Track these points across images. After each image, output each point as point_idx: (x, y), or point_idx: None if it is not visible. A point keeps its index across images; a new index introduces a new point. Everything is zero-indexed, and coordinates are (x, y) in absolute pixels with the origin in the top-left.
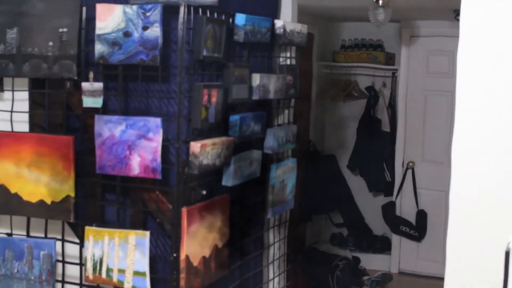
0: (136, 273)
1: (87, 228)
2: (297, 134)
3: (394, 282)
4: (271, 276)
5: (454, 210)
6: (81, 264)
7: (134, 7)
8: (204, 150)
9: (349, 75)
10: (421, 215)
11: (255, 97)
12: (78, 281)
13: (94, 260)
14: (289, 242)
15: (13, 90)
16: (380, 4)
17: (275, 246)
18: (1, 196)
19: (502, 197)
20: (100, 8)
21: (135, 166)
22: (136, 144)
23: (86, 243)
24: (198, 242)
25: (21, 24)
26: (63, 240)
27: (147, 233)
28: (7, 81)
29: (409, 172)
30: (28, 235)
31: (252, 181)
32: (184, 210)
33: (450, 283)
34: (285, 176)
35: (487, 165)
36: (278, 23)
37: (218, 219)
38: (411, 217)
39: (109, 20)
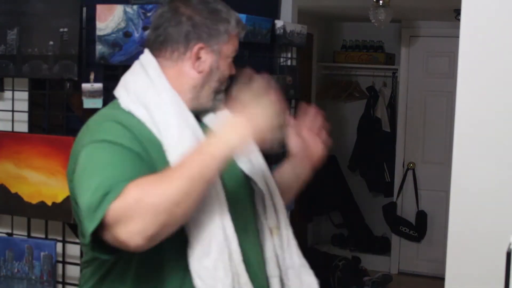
0: None
1: None
2: None
3: (394, 282)
4: None
5: (454, 210)
6: None
7: (135, 7)
8: None
9: (349, 76)
10: (421, 216)
11: None
12: (78, 282)
13: None
14: None
15: (13, 90)
16: (381, 4)
17: None
18: (1, 196)
19: (503, 197)
20: (100, 8)
21: None
22: None
23: None
24: None
25: (21, 24)
26: (64, 242)
27: None
28: (7, 81)
29: (410, 172)
30: (29, 236)
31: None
32: None
33: (450, 283)
34: None
35: (488, 165)
36: (278, 24)
37: None
38: (412, 218)
39: (109, 20)
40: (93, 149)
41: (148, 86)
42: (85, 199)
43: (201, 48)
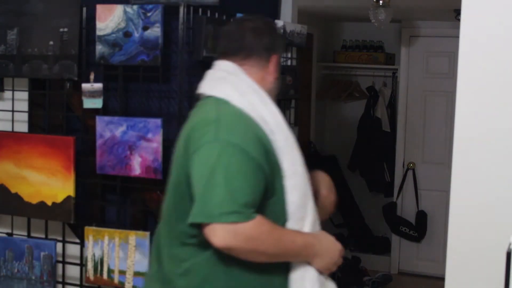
0: (137, 273)
1: (86, 228)
2: (297, 135)
3: (394, 282)
4: None
5: (454, 210)
6: (82, 264)
7: (135, 7)
8: None
9: (349, 76)
10: (421, 216)
11: None
12: (78, 282)
13: (94, 260)
14: None
15: (13, 90)
16: (381, 4)
17: None
18: (2, 196)
19: (503, 197)
20: (100, 8)
21: (136, 166)
22: (137, 145)
23: (86, 242)
24: None
25: (21, 24)
26: (64, 242)
27: (147, 233)
28: (7, 81)
29: (410, 172)
30: (29, 236)
31: None
32: None
33: (450, 283)
34: None
35: (487, 166)
36: (278, 24)
37: None
38: (412, 218)
39: (109, 20)
40: (231, 151)
41: (249, 88)
42: (221, 197)
43: (276, 58)
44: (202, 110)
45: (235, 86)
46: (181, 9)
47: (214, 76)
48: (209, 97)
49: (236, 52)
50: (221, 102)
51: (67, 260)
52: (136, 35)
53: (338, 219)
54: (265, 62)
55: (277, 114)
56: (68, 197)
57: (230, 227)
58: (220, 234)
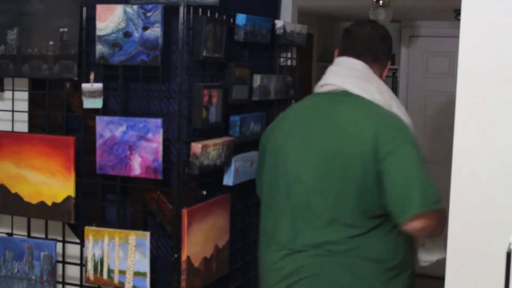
0: (137, 273)
1: (86, 228)
2: None
3: None
4: None
5: (454, 210)
6: (82, 264)
7: (135, 7)
8: (205, 151)
9: None
10: None
11: (255, 97)
12: (78, 282)
13: (94, 260)
14: None
15: (13, 90)
16: (381, 4)
17: None
18: (1, 196)
19: (503, 197)
20: (100, 8)
21: (136, 166)
22: (137, 145)
23: (86, 242)
24: (199, 242)
25: (21, 24)
26: (63, 242)
27: (147, 233)
28: (7, 81)
29: None
30: (29, 236)
31: (253, 181)
32: (184, 211)
33: (450, 283)
34: None
35: (488, 165)
36: (278, 24)
37: (219, 219)
38: None
39: (109, 20)
40: (418, 150)
41: (388, 93)
42: (431, 189)
43: (389, 63)
44: (367, 109)
45: (380, 90)
46: (181, 9)
47: (354, 74)
48: (350, 93)
49: (366, 54)
50: (374, 104)
51: (67, 260)
52: (136, 35)
53: None
54: (383, 66)
55: (408, 117)
56: (68, 197)
57: (435, 212)
58: (426, 219)
